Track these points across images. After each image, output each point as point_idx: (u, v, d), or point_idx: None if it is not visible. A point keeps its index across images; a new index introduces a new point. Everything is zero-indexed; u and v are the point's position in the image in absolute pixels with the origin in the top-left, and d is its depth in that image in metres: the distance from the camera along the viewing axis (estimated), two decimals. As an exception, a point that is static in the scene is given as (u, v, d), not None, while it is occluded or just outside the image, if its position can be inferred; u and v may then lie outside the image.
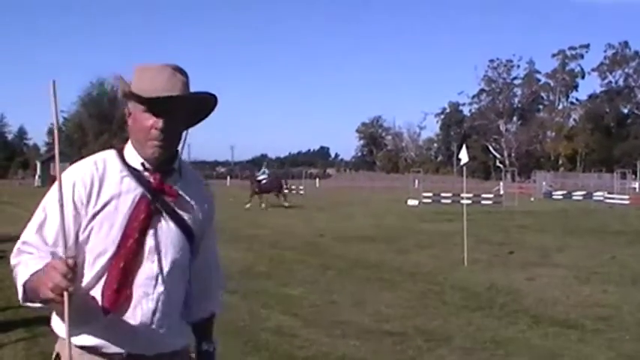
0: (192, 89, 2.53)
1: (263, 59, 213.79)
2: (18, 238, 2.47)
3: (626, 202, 41.98)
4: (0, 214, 26.84)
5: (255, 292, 10.79)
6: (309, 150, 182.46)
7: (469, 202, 32.34)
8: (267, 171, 38.21)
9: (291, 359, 7.10)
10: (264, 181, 35.58)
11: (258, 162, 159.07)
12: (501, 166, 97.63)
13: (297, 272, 12.99)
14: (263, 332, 8.17)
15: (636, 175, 74.96)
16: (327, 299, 10.25)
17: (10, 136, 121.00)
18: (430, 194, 40.95)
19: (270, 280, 11.97)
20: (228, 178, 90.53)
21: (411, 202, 38.40)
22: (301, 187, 56.40)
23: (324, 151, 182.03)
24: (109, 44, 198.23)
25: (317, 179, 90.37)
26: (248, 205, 33.26)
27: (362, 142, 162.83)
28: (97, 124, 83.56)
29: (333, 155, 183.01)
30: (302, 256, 15.35)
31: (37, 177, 75.46)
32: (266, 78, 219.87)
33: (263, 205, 33.74)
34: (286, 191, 38.61)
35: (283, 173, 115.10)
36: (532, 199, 49.12)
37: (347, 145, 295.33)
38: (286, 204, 34.56)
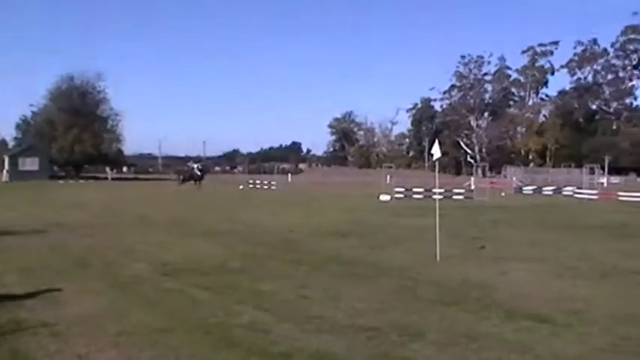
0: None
1: (235, 54, 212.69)
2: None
3: (595, 197, 42.47)
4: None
5: (228, 287, 10.72)
6: (281, 145, 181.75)
7: (441, 197, 32.47)
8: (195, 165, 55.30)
9: (265, 355, 7.04)
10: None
11: (230, 157, 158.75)
12: (472, 161, 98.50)
13: (270, 268, 12.93)
14: (236, 328, 8.11)
15: (604, 171, 75.88)
16: (300, 294, 10.20)
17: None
18: (402, 189, 41.05)
19: (243, 276, 11.90)
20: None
21: (383, 197, 38.46)
22: (273, 183, 56.29)
23: (296, 147, 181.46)
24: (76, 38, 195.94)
25: (289, 174, 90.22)
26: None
27: (334, 137, 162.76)
28: (66, 118, 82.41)
29: (305, 150, 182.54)
30: (275, 252, 15.29)
31: (4, 172, 74.32)
32: (238, 73, 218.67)
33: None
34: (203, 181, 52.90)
35: (256, 168, 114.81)
36: (503, 194, 49.47)
37: (319, 141, 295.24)
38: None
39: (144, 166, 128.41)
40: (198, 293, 10.29)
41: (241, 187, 56.37)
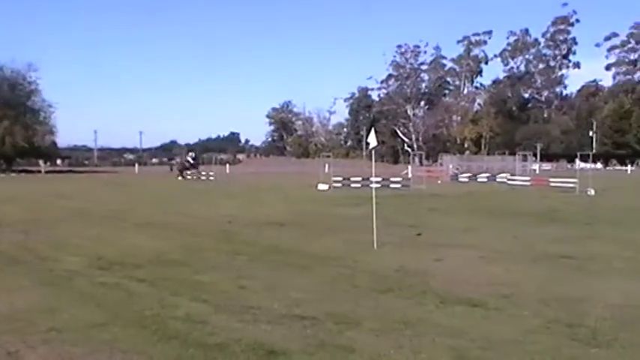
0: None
1: (172, 44, 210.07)
2: None
3: (528, 183, 43.46)
4: None
5: (165, 279, 10.63)
6: (219, 136, 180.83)
7: (378, 185, 32.79)
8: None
9: (202, 346, 7.02)
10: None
11: (167, 148, 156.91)
12: (409, 150, 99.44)
13: (208, 259, 12.87)
14: (172, 320, 8.06)
15: (537, 158, 77.74)
16: (237, 285, 10.19)
17: None
18: (340, 178, 41.25)
19: (180, 268, 11.81)
20: (137, 165, 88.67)
21: (322, 186, 38.61)
22: (211, 173, 55.90)
23: (234, 137, 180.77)
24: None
25: (227, 165, 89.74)
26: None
27: (272, 127, 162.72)
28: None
29: (243, 141, 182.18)
30: (213, 243, 15.21)
31: None
32: (175, 63, 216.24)
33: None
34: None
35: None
36: (439, 181, 50.25)
37: (257, 131, 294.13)
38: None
39: (79, 158, 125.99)
40: (135, 286, 10.18)
41: (179, 178, 55.82)
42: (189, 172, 55.45)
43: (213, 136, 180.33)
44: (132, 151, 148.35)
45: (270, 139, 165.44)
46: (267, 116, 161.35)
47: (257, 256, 13.27)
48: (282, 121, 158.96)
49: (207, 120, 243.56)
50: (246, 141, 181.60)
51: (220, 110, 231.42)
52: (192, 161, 55.58)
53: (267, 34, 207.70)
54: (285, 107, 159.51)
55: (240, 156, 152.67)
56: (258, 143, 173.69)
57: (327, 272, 11.39)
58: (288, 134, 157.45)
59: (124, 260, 12.59)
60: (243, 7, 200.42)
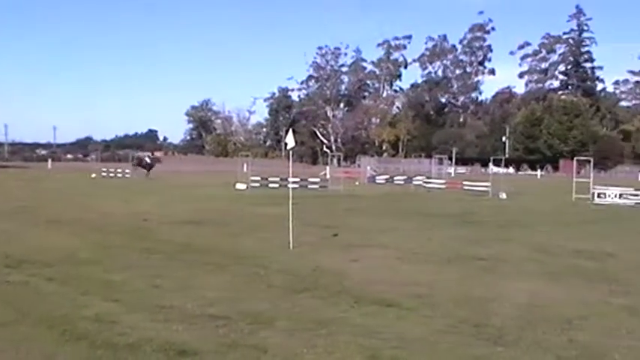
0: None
1: (89, 38, 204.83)
2: None
3: (443, 186, 44.37)
4: None
5: (76, 278, 10.36)
6: (137, 133, 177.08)
7: (296, 186, 32.87)
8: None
9: (112, 347, 6.86)
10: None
11: (83, 144, 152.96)
12: (328, 151, 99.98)
13: (121, 257, 12.61)
14: (82, 320, 7.86)
15: (452, 161, 79.45)
16: (151, 284, 10.03)
17: None
18: (258, 178, 41.14)
19: (92, 266, 11.53)
20: (50, 160, 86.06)
21: (240, 186, 38.42)
22: (128, 171, 54.82)
23: (152, 134, 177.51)
24: None
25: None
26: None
27: (191, 125, 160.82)
28: None
29: (161, 138, 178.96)
30: (127, 241, 14.93)
31: None
32: (92, 57, 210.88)
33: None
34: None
35: (110, 156, 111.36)
36: (357, 183, 50.72)
37: (176, 129, 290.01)
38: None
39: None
40: (44, 285, 9.89)
41: (94, 175, 54.52)
42: (142, 169, 55.76)
43: (131, 133, 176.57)
44: (45, 146, 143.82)
45: (188, 138, 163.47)
46: (186, 114, 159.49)
47: (172, 254, 13.09)
48: (201, 120, 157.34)
49: (125, 117, 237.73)
50: (165, 139, 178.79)
51: (138, 107, 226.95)
52: (149, 161, 57.00)
53: (187, 32, 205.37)
54: (204, 106, 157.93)
55: (158, 153, 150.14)
56: (176, 141, 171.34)
57: (243, 272, 11.34)
58: (207, 133, 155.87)
59: (33, 258, 12.20)
60: (164, 2, 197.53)
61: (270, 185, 39.55)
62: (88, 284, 9.94)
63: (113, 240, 15.11)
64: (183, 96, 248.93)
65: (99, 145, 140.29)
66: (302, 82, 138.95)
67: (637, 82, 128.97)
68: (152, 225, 18.38)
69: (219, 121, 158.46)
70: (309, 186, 39.90)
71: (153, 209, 23.18)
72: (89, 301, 8.84)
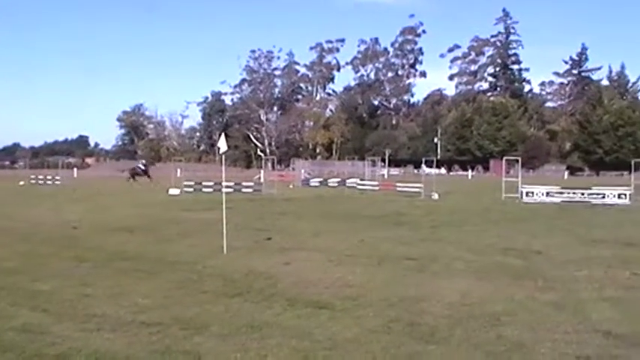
0: None
1: (12, 40, 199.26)
2: None
3: (376, 188, 44.81)
4: None
5: (2, 289, 10.10)
6: (67, 139, 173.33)
7: (230, 190, 32.76)
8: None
9: (40, 358, 6.73)
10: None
11: (10, 151, 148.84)
12: (262, 154, 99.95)
13: (50, 266, 12.35)
14: (9, 332, 7.67)
15: (385, 163, 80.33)
16: (81, 293, 9.85)
17: None
18: (192, 183, 40.81)
19: (18, 276, 11.26)
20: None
21: (173, 191, 38.03)
22: (58, 178, 53.68)
23: (83, 140, 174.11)
24: None
25: (75, 169, 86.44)
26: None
27: (123, 130, 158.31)
28: None
29: (92, 144, 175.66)
30: (56, 249, 14.63)
31: None
32: (18, 61, 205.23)
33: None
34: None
35: (39, 163, 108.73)
36: (291, 186, 50.81)
37: (107, 134, 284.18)
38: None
39: None
40: (-33, 297, 9.61)
41: (22, 182, 53.22)
42: (137, 178, 54.58)
43: (61, 139, 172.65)
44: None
45: (120, 143, 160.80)
46: (118, 119, 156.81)
47: (103, 262, 12.90)
48: (134, 125, 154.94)
49: (54, 122, 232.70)
50: (96, 144, 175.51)
51: (68, 112, 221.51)
52: (143, 167, 55.85)
53: (118, 35, 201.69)
54: (136, 110, 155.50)
55: (89, 160, 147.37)
56: (108, 147, 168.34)
57: (176, 277, 11.25)
58: (140, 138, 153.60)
59: (-44, 269, 11.86)
60: (93, 4, 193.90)
61: (204, 190, 39.30)
62: (14, 294, 9.71)
63: (42, 249, 14.79)
64: (115, 101, 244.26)
65: (27, 152, 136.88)
66: (235, 86, 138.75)
67: (562, 83, 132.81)
68: (82, 233, 18.06)
69: (151, 125, 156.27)
70: (243, 190, 39.78)
71: (83, 217, 22.77)
72: (16, 312, 8.64)
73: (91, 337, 7.51)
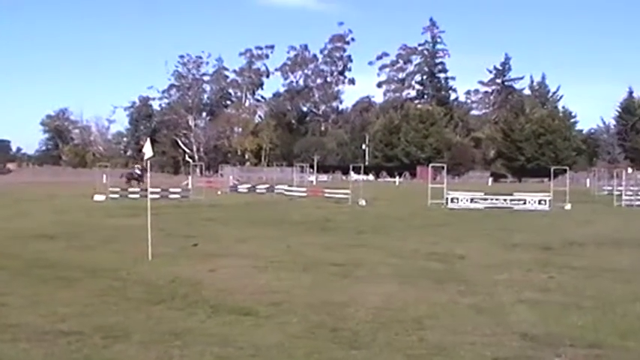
0: None
1: None
2: None
3: (304, 194, 44.98)
4: None
5: None
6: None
7: (157, 196, 32.35)
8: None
9: (-48, 370, 6.55)
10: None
11: None
12: (190, 160, 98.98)
13: (-37, 276, 11.96)
14: None
15: (314, 169, 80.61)
16: (-3, 302, 9.59)
17: None
18: (118, 189, 40.13)
19: None
20: None
21: (98, 197, 37.24)
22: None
23: (4, 145, 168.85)
24: None
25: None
26: None
27: (47, 135, 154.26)
28: None
29: (14, 149, 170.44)
30: (-29, 258, 14.16)
31: None
32: None
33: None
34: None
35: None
36: (219, 192, 50.47)
37: (30, 139, 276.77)
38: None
39: None
40: None
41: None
42: (135, 182, 52.68)
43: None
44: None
45: (44, 148, 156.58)
46: (42, 124, 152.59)
47: (21, 270, 12.57)
48: (58, 129, 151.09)
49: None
50: (18, 149, 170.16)
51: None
52: (139, 172, 54.38)
53: (41, 37, 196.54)
54: (61, 115, 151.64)
55: (10, 165, 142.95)
56: (31, 152, 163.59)
57: (98, 285, 11.06)
58: (64, 143, 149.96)
59: None
60: (15, 5, 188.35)
61: (130, 196, 38.66)
62: None
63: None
64: (39, 104, 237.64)
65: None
66: (163, 91, 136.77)
67: (486, 92, 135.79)
68: None
69: (77, 130, 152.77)
70: (171, 196, 39.36)
71: (1, 223, 22.10)
72: None
73: (6, 347, 7.30)
